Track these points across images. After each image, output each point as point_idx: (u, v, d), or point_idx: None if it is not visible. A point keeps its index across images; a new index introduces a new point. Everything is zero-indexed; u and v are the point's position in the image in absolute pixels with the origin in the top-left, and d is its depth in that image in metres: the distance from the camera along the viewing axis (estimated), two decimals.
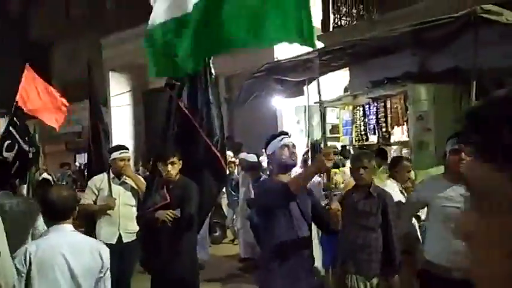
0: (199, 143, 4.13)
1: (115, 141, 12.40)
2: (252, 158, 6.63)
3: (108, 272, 2.61)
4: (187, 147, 4.12)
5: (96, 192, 4.63)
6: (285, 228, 3.00)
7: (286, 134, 3.29)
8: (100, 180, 4.68)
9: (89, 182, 4.81)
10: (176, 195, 3.89)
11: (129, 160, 4.76)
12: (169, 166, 3.88)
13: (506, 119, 0.53)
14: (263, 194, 3.21)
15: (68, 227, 2.53)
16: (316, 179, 6.17)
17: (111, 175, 4.65)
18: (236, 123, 10.65)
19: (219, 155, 4.14)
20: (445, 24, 4.60)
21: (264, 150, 3.32)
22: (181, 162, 3.96)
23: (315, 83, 7.47)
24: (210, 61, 4.18)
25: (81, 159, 13.70)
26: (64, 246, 2.48)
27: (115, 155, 4.66)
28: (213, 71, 4.22)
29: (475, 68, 4.56)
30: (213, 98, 4.22)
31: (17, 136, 5.47)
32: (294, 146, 3.20)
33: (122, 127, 13.13)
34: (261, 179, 5.99)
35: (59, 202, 2.50)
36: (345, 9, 8.67)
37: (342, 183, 6.60)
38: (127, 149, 4.83)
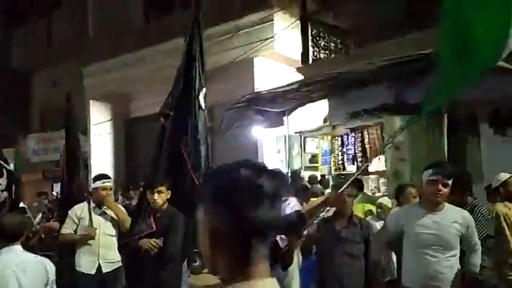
0: (186, 174, 4.17)
1: (94, 170, 12.27)
2: None
3: (54, 285, 2.98)
4: (176, 177, 4.15)
5: (76, 221, 4.58)
6: None
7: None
8: (80, 209, 4.63)
9: (69, 211, 4.73)
10: (162, 224, 3.89)
11: (111, 189, 4.73)
12: (156, 195, 3.91)
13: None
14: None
15: (18, 248, 2.91)
16: (294, 202, 6.24)
17: (92, 204, 4.62)
18: (217, 153, 10.70)
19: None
20: (417, 60, 4.85)
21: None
22: (169, 191, 3.98)
23: (294, 113, 7.69)
24: (201, 93, 4.26)
25: (59, 188, 13.46)
26: (14, 264, 2.83)
27: (97, 184, 4.64)
28: (202, 103, 4.29)
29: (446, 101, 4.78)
30: (202, 129, 4.28)
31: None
32: None
33: (102, 156, 13.03)
34: None
35: (10, 226, 2.89)
36: (323, 43, 8.98)
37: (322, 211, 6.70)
38: (109, 178, 4.81)
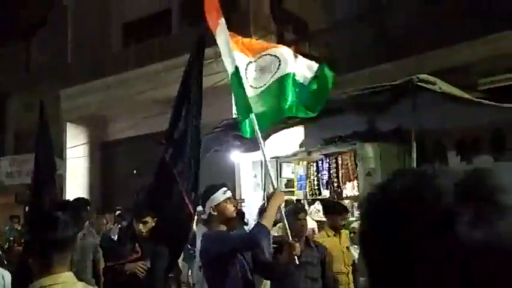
0: (178, 199, 4.20)
1: (69, 193, 12.13)
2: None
3: None
4: (167, 202, 4.19)
5: None
6: (233, 277, 3.00)
7: (226, 186, 3.26)
8: None
9: None
10: (148, 250, 3.95)
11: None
12: (141, 225, 3.99)
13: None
14: (214, 244, 3.11)
15: None
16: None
17: None
18: None
19: (192, 213, 4.24)
20: (387, 89, 5.11)
21: (203, 201, 3.24)
22: (155, 219, 4.04)
23: (271, 138, 7.86)
24: (200, 118, 4.37)
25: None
26: None
27: None
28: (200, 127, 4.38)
29: (414, 129, 5.03)
30: (193, 153, 4.36)
31: None
32: (234, 200, 3.29)
33: (77, 179, 12.90)
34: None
35: None
36: None
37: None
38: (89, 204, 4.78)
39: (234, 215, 3.18)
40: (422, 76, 4.80)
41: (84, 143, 13.16)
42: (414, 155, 5.03)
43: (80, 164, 13.12)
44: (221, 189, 3.14)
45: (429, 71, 5.34)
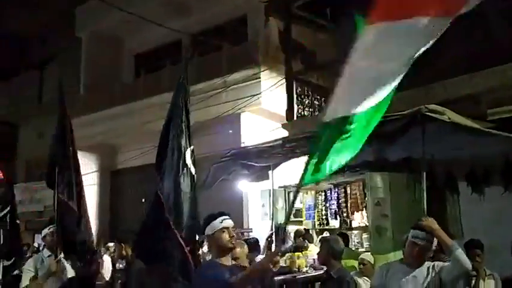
0: (169, 234, 4.16)
1: None
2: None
3: None
4: (158, 237, 4.14)
5: (33, 270, 4.41)
6: None
7: (227, 214, 3.14)
8: (36, 260, 4.54)
9: (25, 265, 4.58)
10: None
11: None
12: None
13: None
14: (205, 279, 2.98)
15: None
16: (260, 257, 6.25)
17: (48, 252, 4.51)
18: (202, 206, 10.73)
19: (185, 247, 4.17)
20: (396, 120, 5.10)
21: (203, 228, 3.12)
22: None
23: (279, 168, 7.85)
24: (188, 150, 4.31)
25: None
26: None
27: (45, 231, 4.60)
28: (189, 161, 4.31)
29: (424, 159, 4.99)
30: (185, 186, 4.30)
31: None
32: (233, 228, 3.10)
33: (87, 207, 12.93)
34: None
35: None
36: (307, 100, 9.33)
37: (306, 266, 6.71)
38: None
39: (230, 245, 3.00)
40: (431, 106, 4.79)
41: (94, 171, 13.25)
42: (424, 185, 4.97)
43: (90, 192, 13.16)
44: (219, 218, 3.05)
45: (437, 101, 5.34)
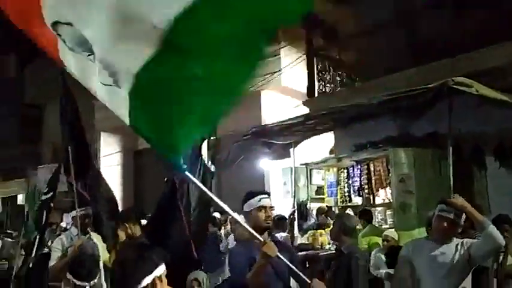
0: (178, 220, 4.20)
1: None
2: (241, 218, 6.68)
3: None
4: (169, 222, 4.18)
5: (62, 249, 4.52)
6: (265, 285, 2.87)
7: (267, 193, 3.18)
8: (65, 238, 4.62)
9: (53, 243, 4.68)
10: None
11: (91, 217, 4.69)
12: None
13: None
14: (236, 259, 3.08)
15: None
16: (282, 235, 6.25)
17: (75, 231, 4.59)
18: (223, 185, 10.78)
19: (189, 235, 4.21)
20: (422, 93, 4.95)
21: (242, 204, 3.16)
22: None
23: (300, 145, 7.78)
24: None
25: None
26: None
27: (73, 213, 4.69)
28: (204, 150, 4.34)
29: (450, 133, 4.85)
30: (199, 167, 4.33)
31: None
32: (271, 207, 3.11)
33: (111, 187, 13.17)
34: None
35: None
36: (328, 77, 9.16)
37: (328, 243, 6.70)
38: (88, 206, 4.80)
39: (266, 224, 3.02)
40: (457, 79, 4.63)
41: (117, 152, 13.42)
42: (450, 160, 4.85)
43: (114, 172, 13.37)
44: (258, 196, 3.07)
45: (463, 74, 5.14)
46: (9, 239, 8.90)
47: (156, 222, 4.33)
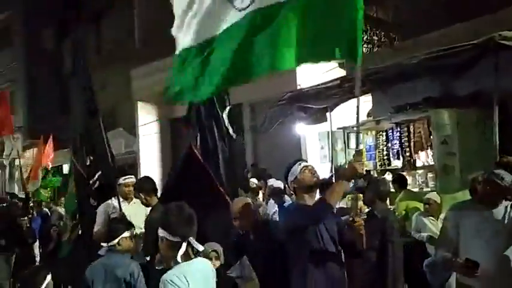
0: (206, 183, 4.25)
1: (143, 169, 12.70)
2: (278, 183, 6.72)
3: None
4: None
5: (106, 217, 4.69)
6: (316, 249, 3.05)
7: (302, 160, 3.45)
8: (107, 206, 4.79)
9: (99, 208, 4.85)
10: None
11: (133, 186, 4.84)
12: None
13: None
14: (292, 216, 3.23)
15: None
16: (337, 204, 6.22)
17: (120, 199, 4.74)
18: (260, 151, 10.81)
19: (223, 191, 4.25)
20: (465, 50, 4.71)
21: (285, 179, 3.39)
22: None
23: (337, 109, 7.64)
24: (225, 112, 4.37)
25: None
26: None
27: (120, 181, 4.86)
28: (226, 121, 4.40)
29: (496, 92, 4.63)
30: (223, 130, 4.38)
31: None
32: (313, 168, 3.30)
33: (150, 155, 13.43)
34: (285, 204, 6.05)
35: None
36: (366, 36, 8.84)
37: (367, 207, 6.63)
38: (132, 176, 5.02)
39: (313, 180, 3.22)
40: (505, 33, 4.36)
41: (154, 120, 13.63)
42: (496, 120, 4.64)
43: (152, 141, 13.63)
44: (297, 163, 3.29)
45: (508, 29, 4.83)
46: (59, 208, 9.35)
47: (171, 189, 4.38)
